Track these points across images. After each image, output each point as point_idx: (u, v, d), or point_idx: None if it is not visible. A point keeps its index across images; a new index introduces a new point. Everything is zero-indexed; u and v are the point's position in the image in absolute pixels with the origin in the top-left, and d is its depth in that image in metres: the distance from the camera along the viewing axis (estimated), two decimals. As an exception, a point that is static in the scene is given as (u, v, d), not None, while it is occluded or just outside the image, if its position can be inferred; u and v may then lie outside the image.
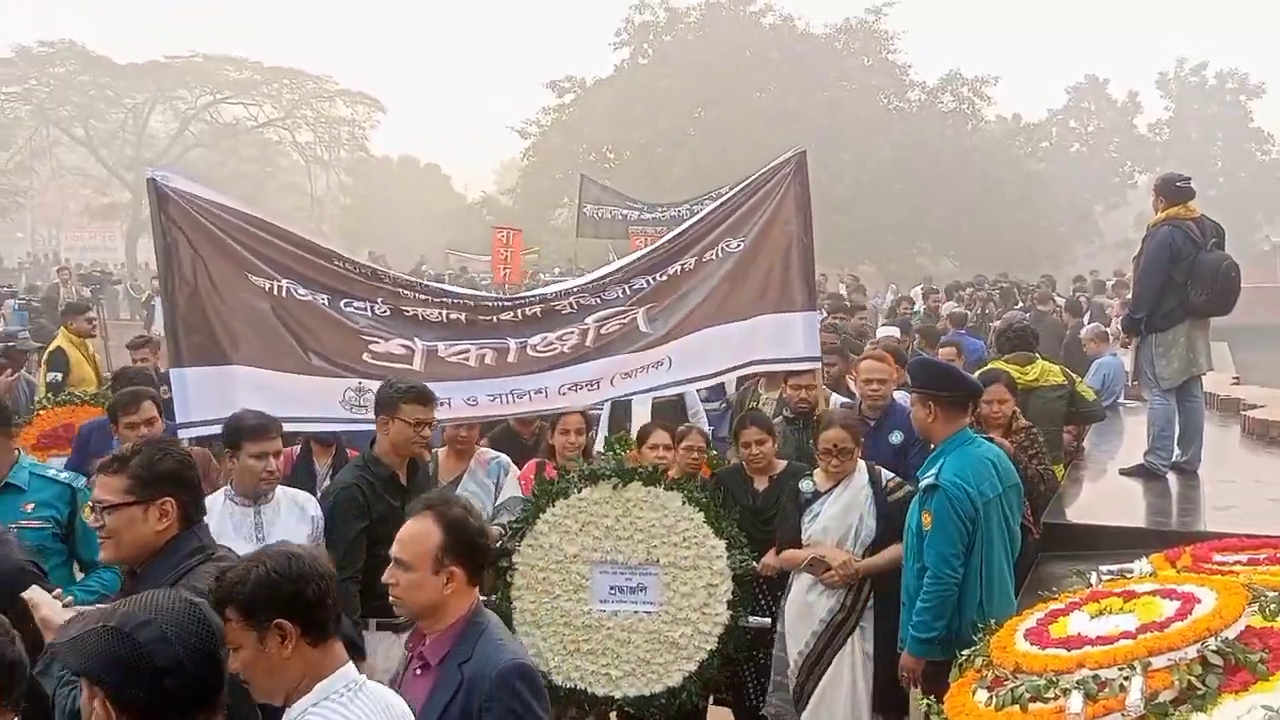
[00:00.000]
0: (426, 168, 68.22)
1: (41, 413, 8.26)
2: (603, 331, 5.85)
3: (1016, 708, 3.62)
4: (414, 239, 45.74)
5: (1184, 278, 7.86)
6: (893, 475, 5.78)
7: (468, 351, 5.63)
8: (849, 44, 45.03)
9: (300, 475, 5.83)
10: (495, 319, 5.71)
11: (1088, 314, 15.56)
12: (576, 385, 5.83)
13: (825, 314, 14.53)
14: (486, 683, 3.15)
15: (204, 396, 5.10)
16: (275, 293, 5.26)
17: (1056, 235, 44.39)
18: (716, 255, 6.01)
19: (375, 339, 5.45)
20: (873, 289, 26.37)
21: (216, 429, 5.10)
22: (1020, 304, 17.23)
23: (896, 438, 6.47)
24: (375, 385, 5.28)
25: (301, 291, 5.32)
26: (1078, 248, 45.08)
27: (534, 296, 5.88)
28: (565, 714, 5.46)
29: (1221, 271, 7.87)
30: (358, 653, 4.05)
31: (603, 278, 5.99)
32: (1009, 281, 21.12)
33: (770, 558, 5.69)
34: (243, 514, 4.66)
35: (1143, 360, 8.21)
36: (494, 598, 5.21)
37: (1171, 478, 8.45)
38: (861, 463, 5.64)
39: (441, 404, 5.41)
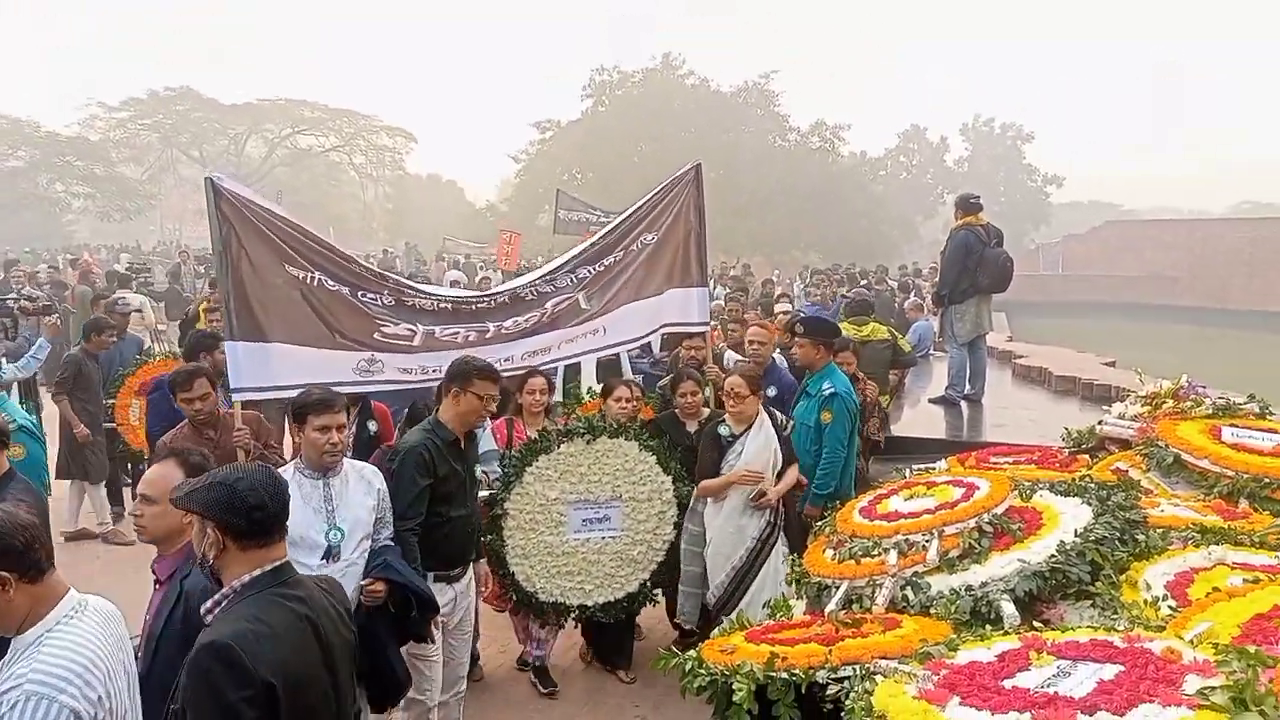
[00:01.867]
0: (447, 183, 67.16)
1: (146, 364, 7.85)
2: (554, 310, 5.57)
3: (852, 560, 3.70)
4: (437, 235, 45.16)
5: (975, 266, 8.13)
6: (782, 416, 5.57)
7: (458, 332, 5.25)
8: (747, 99, 44.78)
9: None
10: (474, 307, 5.36)
11: (912, 292, 15.62)
12: (533, 352, 5.53)
13: (728, 289, 14.57)
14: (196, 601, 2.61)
15: (250, 366, 4.65)
16: (308, 281, 4.81)
17: (889, 237, 44.77)
18: (637, 247, 5.77)
19: (385, 322, 5.04)
20: (761, 274, 26.40)
21: (261, 394, 4.77)
22: (863, 283, 17.30)
23: (772, 391, 6.07)
24: (384, 357, 5.01)
25: (330, 283, 4.89)
26: (903, 246, 45.50)
27: (504, 291, 5.57)
28: (550, 621, 5.21)
29: (1001, 262, 8.25)
30: (430, 607, 3.83)
31: (555, 270, 5.68)
32: (856, 269, 21.22)
33: (710, 483, 5.14)
34: (312, 486, 3.73)
35: (945, 322, 8.55)
36: (489, 538, 4.93)
37: (964, 405, 8.63)
38: (761, 407, 5.28)
39: (433, 370, 5.05)
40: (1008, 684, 2.41)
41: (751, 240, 40.70)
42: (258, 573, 2.38)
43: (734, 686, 2.72)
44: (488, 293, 5.62)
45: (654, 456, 5.22)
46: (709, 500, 5.15)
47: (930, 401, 8.89)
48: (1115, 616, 3.07)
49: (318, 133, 54.61)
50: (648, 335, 6.06)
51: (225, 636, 2.23)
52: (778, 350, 6.77)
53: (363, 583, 3.70)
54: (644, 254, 5.76)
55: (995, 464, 5.30)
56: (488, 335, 5.31)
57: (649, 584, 5.26)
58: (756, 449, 5.11)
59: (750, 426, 5.16)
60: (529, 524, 5.03)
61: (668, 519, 5.26)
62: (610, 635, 5.46)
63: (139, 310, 12.82)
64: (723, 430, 5.20)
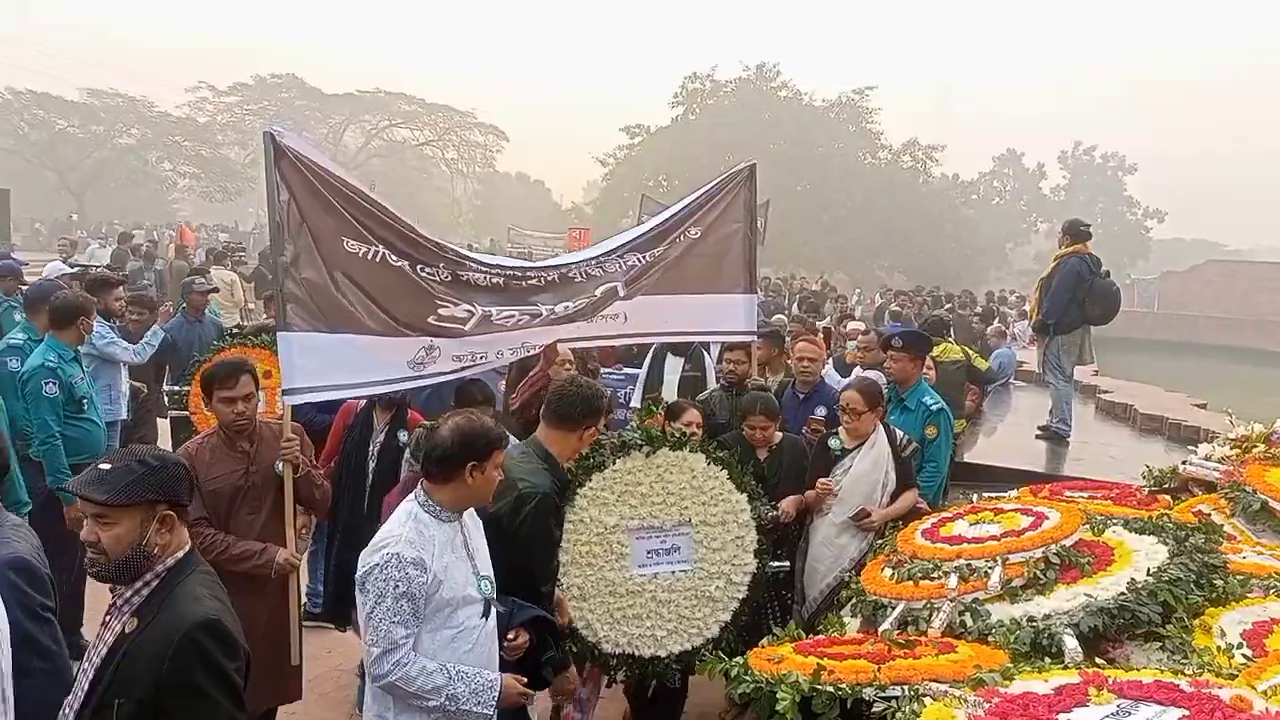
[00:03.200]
0: (534, 182, 68.16)
1: (223, 349, 6.84)
2: (598, 297, 5.08)
3: (910, 581, 3.62)
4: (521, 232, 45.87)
5: (1084, 295, 7.89)
6: (905, 435, 5.04)
7: (512, 315, 4.74)
8: (839, 114, 44.40)
9: (359, 431, 4.91)
10: (524, 284, 4.80)
11: (996, 318, 15.27)
12: (564, 339, 5.20)
13: (800, 306, 14.34)
14: None
15: (305, 362, 4.01)
16: (370, 257, 4.20)
17: (977, 263, 43.90)
18: (680, 239, 5.38)
19: (443, 302, 4.47)
20: (842, 290, 26.08)
21: (315, 396, 4.14)
22: (946, 307, 16.98)
23: (821, 411, 5.59)
24: (441, 343, 4.46)
25: (392, 257, 4.28)
26: (992, 273, 44.57)
27: (551, 268, 4.99)
28: (615, 679, 4.28)
29: (1112, 293, 8.12)
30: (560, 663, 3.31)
31: (606, 253, 5.18)
32: (940, 292, 20.82)
33: (789, 504, 4.66)
34: (453, 530, 2.84)
35: (1050, 354, 8.24)
36: None
37: (1046, 441, 8.38)
38: (880, 424, 4.82)
39: (483, 358, 4.74)
40: (1062, 718, 2.33)
41: (835, 257, 40.39)
42: (181, 554, 2.33)
43: (778, 695, 2.68)
44: (537, 265, 5.12)
45: (725, 471, 4.40)
46: (813, 515, 4.76)
47: (1040, 430, 8.60)
48: (1184, 661, 2.95)
49: (413, 126, 55.90)
50: (684, 335, 5.75)
51: (210, 613, 2.24)
52: (829, 364, 6.62)
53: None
54: (683, 248, 5.43)
55: (1069, 498, 5.15)
56: (538, 319, 4.86)
57: (732, 628, 4.27)
58: (864, 469, 4.71)
59: (863, 443, 4.76)
60: (585, 557, 4.09)
61: (747, 545, 4.37)
62: (662, 697, 4.42)
63: (229, 286, 13.14)
64: (833, 443, 4.83)
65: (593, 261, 5.10)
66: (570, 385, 3.68)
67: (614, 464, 4.20)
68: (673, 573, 4.25)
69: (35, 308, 5.57)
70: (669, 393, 6.97)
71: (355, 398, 4.87)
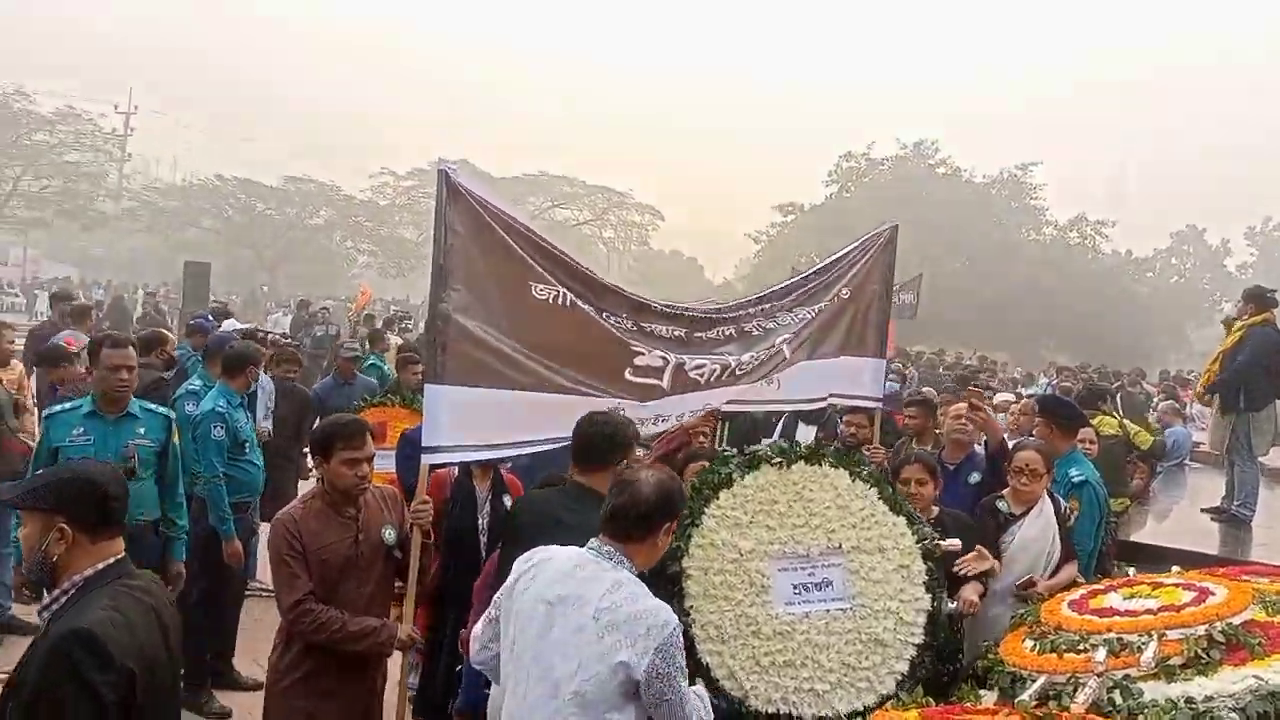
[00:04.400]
0: (688, 260, 69.11)
1: (371, 407, 6.59)
2: (770, 354, 4.82)
3: (1054, 654, 3.36)
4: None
5: (1277, 366, 7.28)
6: (1067, 504, 4.81)
7: (703, 367, 4.41)
8: (1001, 190, 43.21)
9: (462, 501, 4.42)
10: (704, 336, 4.50)
11: (1169, 397, 14.25)
12: (735, 399, 4.83)
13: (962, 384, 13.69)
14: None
15: (456, 417, 3.60)
16: (559, 302, 3.82)
17: (1155, 343, 41.26)
18: (835, 301, 5.16)
19: (639, 350, 4.08)
20: (1005, 373, 24.95)
21: (468, 455, 3.81)
22: (1115, 384, 15.95)
23: (974, 478, 5.37)
24: (630, 404, 4.05)
25: (581, 303, 3.92)
26: (1170, 354, 41.77)
27: (726, 319, 4.68)
28: None
29: None
30: None
31: (772, 304, 4.90)
32: (1109, 369, 19.60)
33: (969, 590, 4.15)
34: None
35: (1239, 431, 7.59)
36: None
37: (1220, 523, 7.69)
38: (1046, 492, 4.58)
39: (664, 419, 4.38)
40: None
41: (995, 335, 38.85)
42: (102, 565, 2.33)
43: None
44: (711, 313, 4.74)
45: (875, 489, 3.85)
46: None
47: (1205, 511, 7.93)
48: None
49: (574, 207, 57.97)
50: (816, 401, 5.43)
51: (87, 623, 2.20)
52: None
53: None
54: (837, 309, 5.22)
55: (1240, 580, 4.68)
56: (728, 372, 4.51)
57: (910, 681, 3.57)
58: (1032, 536, 4.46)
59: (1031, 509, 4.51)
60: (720, 589, 3.50)
61: (914, 577, 3.72)
62: None
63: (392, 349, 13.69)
64: (1001, 505, 4.59)
65: (763, 311, 4.87)
66: (588, 425, 3.46)
67: (742, 479, 3.74)
68: (828, 611, 3.60)
69: (211, 357, 6.04)
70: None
71: (507, 458, 4.37)
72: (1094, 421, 7.35)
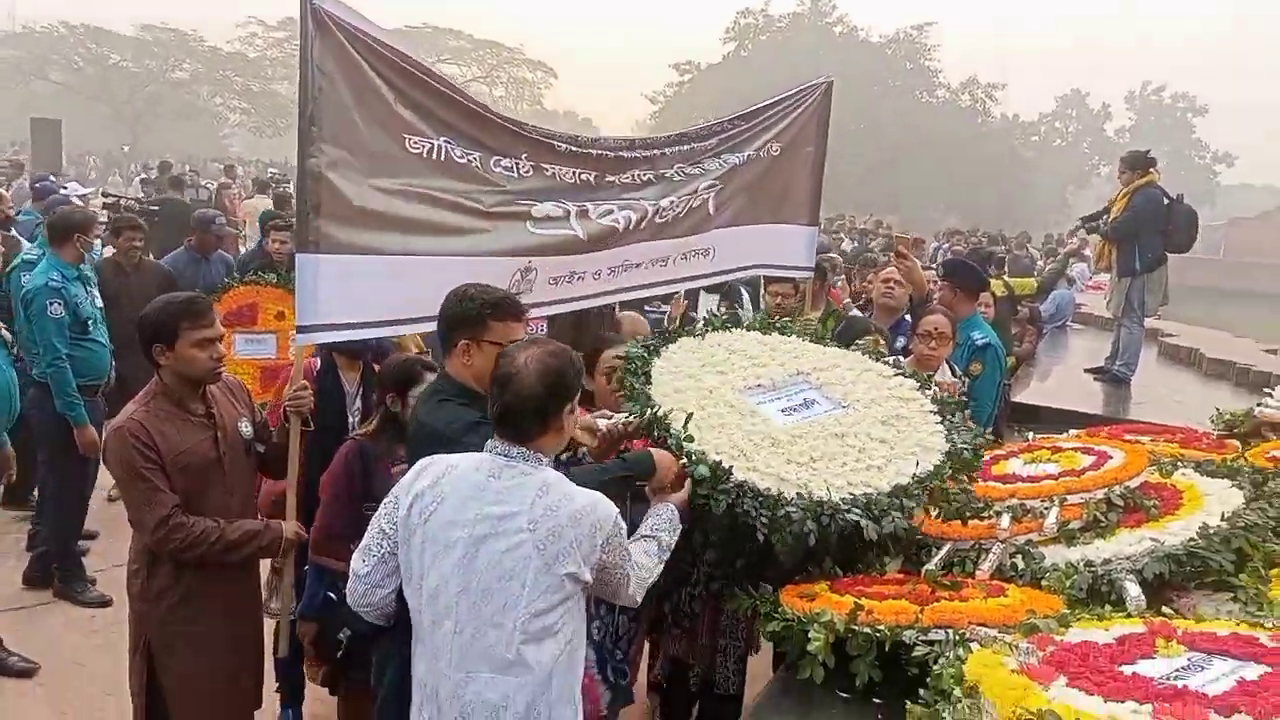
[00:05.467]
0: (582, 120, 67.37)
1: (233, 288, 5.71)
2: (692, 205, 4.37)
3: (958, 521, 3.38)
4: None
5: (1164, 225, 7.45)
6: (970, 366, 4.71)
7: (610, 211, 3.92)
8: (897, 51, 43.10)
9: (329, 392, 3.74)
10: (616, 180, 4.03)
11: (1053, 259, 14.72)
12: (655, 260, 4.29)
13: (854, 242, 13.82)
14: None
15: (333, 293, 3.11)
16: (435, 155, 3.35)
17: (1037, 206, 42.71)
18: (763, 154, 4.73)
19: (532, 201, 3.64)
20: (895, 232, 25.46)
21: (346, 334, 3.28)
22: (1001, 248, 16.39)
23: (901, 342, 5.15)
24: (540, 263, 3.69)
25: (458, 153, 3.42)
26: (1051, 216, 43.35)
27: (644, 158, 4.15)
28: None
29: (1193, 217, 7.67)
30: None
31: (696, 146, 4.40)
32: (994, 234, 20.11)
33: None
34: None
35: (1133, 294, 7.76)
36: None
37: (1104, 382, 8.01)
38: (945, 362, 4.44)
39: (580, 276, 3.92)
40: (1126, 670, 2.09)
41: (889, 198, 39.48)
42: None
43: (810, 635, 2.47)
44: (622, 147, 4.16)
45: (803, 338, 3.65)
46: None
47: (1089, 372, 8.23)
48: (1260, 614, 2.68)
49: (462, 63, 55.36)
50: (746, 270, 5.13)
51: None
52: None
53: None
54: (764, 166, 4.80)
55: (1132, 440, 4.85)
56: (644, 222, 4.10)
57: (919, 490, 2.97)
58: None
59: (930, 377, 4.30)
60: (711, 420, 3.01)
61: (883, 370, 3.54)
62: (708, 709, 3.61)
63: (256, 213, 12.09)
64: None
65: (681, 153, 4.39)
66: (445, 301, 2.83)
67: (664, 350, 3.35)
68: (829, 413, 3.19)
69: (48, 225, 5.41)
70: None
71: (397, 335, 3.87)
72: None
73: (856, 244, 17.36)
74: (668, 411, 2.90)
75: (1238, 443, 4.73)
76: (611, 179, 4.07)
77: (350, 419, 3.85)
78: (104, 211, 9.67)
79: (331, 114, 3.08)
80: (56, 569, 5.10)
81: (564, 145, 3.85)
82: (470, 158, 3.52)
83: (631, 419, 2.92)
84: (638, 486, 2.68)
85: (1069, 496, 3.30)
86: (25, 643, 4.50)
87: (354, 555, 2.39)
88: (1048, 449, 3.85)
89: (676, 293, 5.58)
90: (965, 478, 3.19)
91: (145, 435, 2.82)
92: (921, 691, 2.18)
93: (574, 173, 3.91)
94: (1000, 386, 5.20)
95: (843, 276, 7.81)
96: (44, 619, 4.88)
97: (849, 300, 6.70)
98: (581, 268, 3.95)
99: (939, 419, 3.29)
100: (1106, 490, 3.30)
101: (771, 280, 5.57)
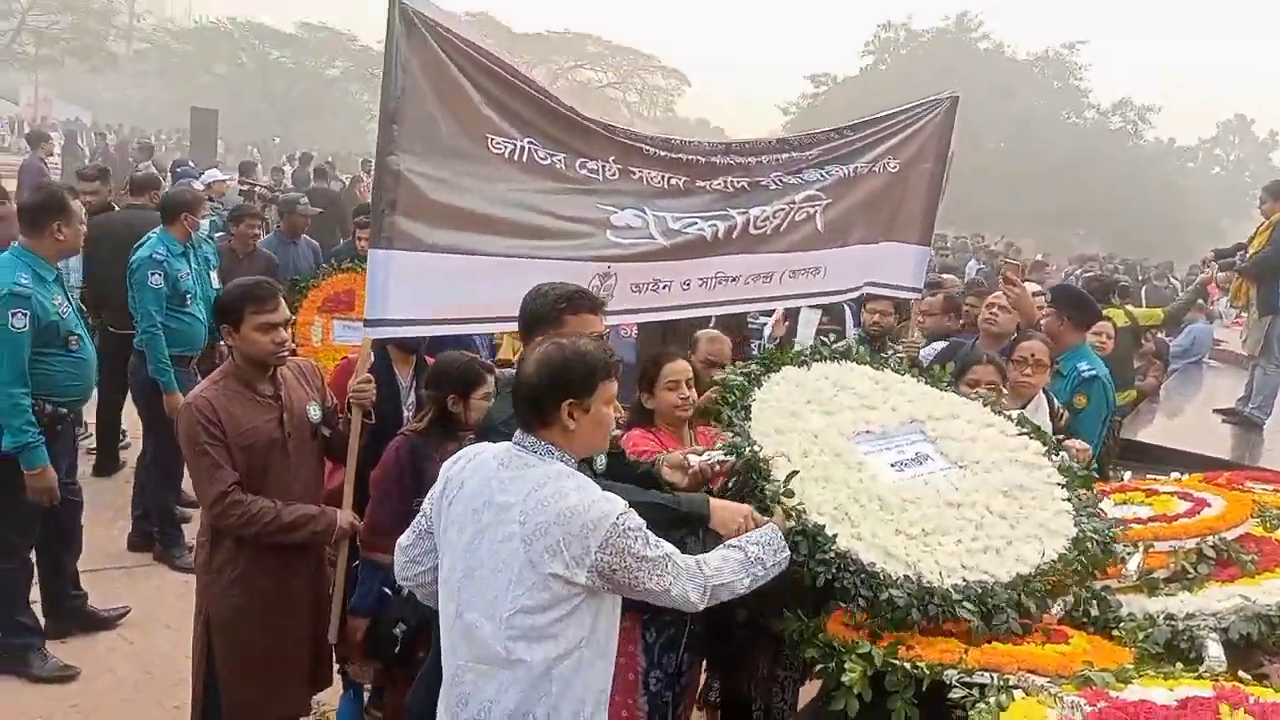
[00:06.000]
0: (715, 128, 67.24)
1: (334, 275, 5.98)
2: (795, 219, 4.19)
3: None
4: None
5: None
6: (1059, 404, 4.47)
7: (697, 224, 3.83)
8: (1044, 70, 41.43)
9: (383, 385, 3.59)
10: (708, 184, 3.92)
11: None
12: (758, 275, 4.15)
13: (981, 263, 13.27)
14: None
15: (405, 288, 3.15)
16: (517, 157, 3.34)
17: (1187, 237, 40.20)
18: (878, 170, 4.53)
19: (612, 208, 3.60)
20: (1028, 256, 24.32)
21: (418, 330, 3.34)
22: (1140, 278, 15.53)
23: None
24: (620, 269, 3.63)
25: (541, 154, 3.40)
26: (1203, 248, 40.88)
27: (739, 164, 4.02)
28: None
29: None
30: None
31: (796, 155, 4.23)
32: (1135, 262, 19.00)
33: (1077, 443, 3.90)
34: None
35: (1273, 333, 7.27)
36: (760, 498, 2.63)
37: (1232, 425, 7.48)
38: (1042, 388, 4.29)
39: (665, 285, 3.83)
40: (1178, 738, 1.92)
41: (1028, 220, 37.95)
42: None
43: (846, 666, 2.37)
44: (716, 151, 4.05)
45: (909, 374, 3.40)
46: None
47: (1218, 413, 7.71)
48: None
49: (598, 68, 56.18)
50: (856, 290, 4.92)
51: None
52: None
53: None
54: (881, 181, 4.62)
55: (1245, 488, 4.49)
56: (734, 232, 3.96)
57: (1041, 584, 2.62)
58: None
59: (1025, 405, 4.15)
60: (815, 470, 2.76)
61: (1007, 428, 3.19)
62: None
63: None
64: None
65: (780, 161, 4.21)
66: (529, 296, 2.81)
67: (765, 380, 3.08)
68: (945, 475, 2.91)
69: None
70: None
71: (470, 333, 3.88)
72: (1107, 313, 7.06)
73: (985, 265, 16.79)
74: (769, 457, 2.72)
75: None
76: (702, 184, 3.98)
77: (405, 412, 3.85)
78: (240, 197, 10.18)
79: (414, 112, 3.12)
80: (157, 533, 5.38)
81: (653, 149, 3.79)
82: (555, 159, 3.50)
83: (726, 457, 2.77)
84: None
85: (1156, 543, 3.08)
86: (120, 601, 4.77)
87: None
88: (1142, 491, 3.60)
89: (777, 309, 5.45)
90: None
91: (211, 412, 2.93)
92: (952, 736, 2.06)
93: (663, 177, 3.83)
94: (1106, 423, 4.91)
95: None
96: (142, 581, 5.16)
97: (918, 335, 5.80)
98: (666, 276, 3.88)
99: (1065, 494, 2.95)
100: (1199, 540, 3.07)
101: (870, 298, 5.38)
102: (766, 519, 2.52)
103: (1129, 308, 7.91)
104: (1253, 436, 7.22)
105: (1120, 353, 6.99)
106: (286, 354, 3.12)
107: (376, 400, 3.41)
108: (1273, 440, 7.09)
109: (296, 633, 3.12)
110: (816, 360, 3.29)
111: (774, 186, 4.21)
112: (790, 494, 2.60)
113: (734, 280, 4.16)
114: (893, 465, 2.91)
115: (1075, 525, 2.83)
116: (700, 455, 2.81)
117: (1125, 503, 3.53)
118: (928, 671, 2.31)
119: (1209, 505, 3.30)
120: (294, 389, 3.17)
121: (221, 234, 7.06)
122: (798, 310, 6.13)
